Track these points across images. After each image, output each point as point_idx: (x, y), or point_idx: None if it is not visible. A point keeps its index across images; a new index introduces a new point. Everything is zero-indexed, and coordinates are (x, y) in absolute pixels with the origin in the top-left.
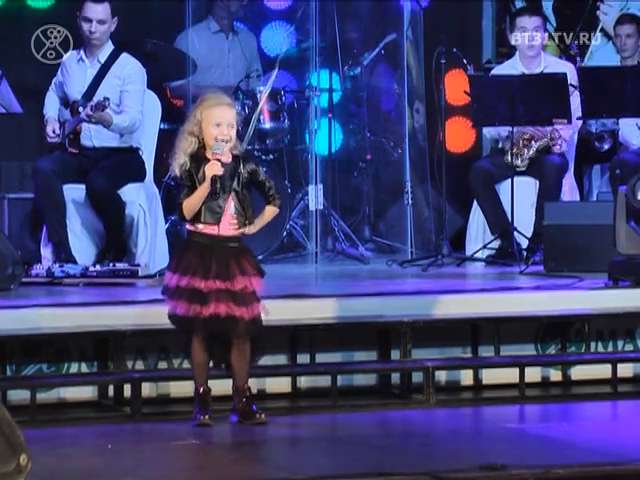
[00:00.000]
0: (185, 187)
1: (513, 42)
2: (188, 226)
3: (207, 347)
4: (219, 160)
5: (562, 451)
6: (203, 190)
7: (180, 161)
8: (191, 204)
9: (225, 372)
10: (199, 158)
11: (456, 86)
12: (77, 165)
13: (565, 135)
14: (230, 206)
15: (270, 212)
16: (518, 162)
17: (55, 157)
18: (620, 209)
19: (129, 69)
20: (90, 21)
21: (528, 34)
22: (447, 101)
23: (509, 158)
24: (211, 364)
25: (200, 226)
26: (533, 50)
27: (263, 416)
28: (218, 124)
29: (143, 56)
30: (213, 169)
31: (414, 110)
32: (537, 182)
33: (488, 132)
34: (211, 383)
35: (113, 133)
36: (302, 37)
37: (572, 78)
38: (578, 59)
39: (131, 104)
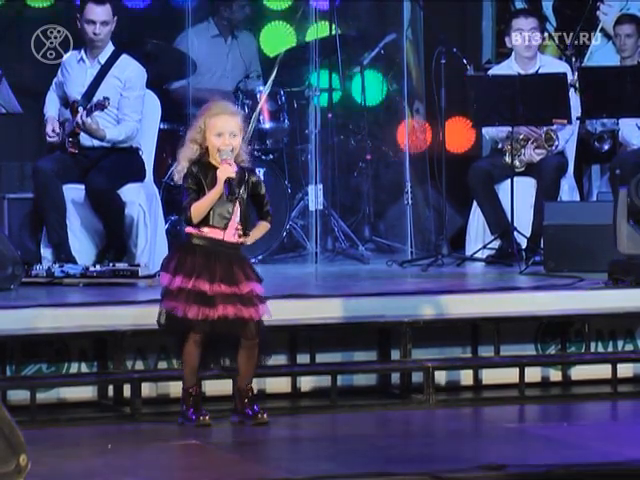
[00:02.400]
0: (191, 191)
1: (509, 44)
2: (190, 229)
3: (202, 349)
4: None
5: (562, 451)
6: (214, 193)
7: (179, 168)
8: (201, 207)
9: (219, 372)
10: (203, 165)
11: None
12: (77, 165)
13: (563, 135)
14: (237, 213)
15: (264, 227)
16: (516, 162)
17: (55, 157)
18: (622, 208)
19: (129, 72)
20: (94, 23)
21: (525, 35)
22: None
23: (507, 159)
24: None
25: (206, 230)
26: (530, 51)
27: (265, 416)
28: (220, 134)
29: (143, 56)
30: (226, 171)
31: (414, 110)
32: (536, 182)
33: (487, 133)
34: (210, 383)
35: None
36: (301, 37)
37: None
38: (574, 59)
39: (130, 112)
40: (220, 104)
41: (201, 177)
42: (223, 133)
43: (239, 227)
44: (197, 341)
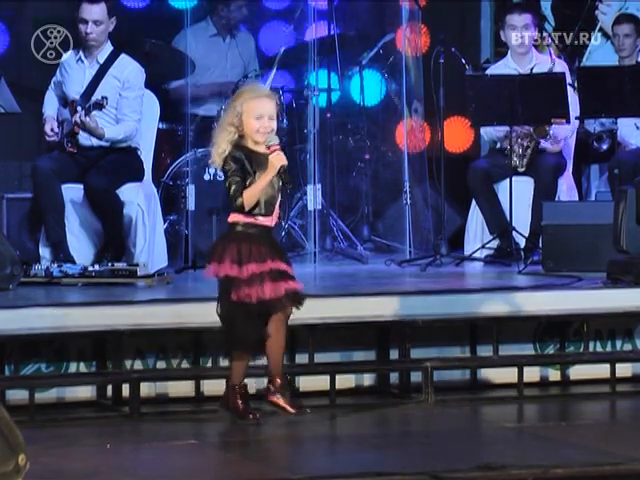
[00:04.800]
0: (236, 175)
1: (502, 38)
2: (238, 217)
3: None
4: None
5: (561, 451)
6: (266, 179)
7: (219, 150)
8: (254, 193)
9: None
10: (242, 148)
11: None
12: (76, 165)
13: (559, 133)
14: (278, 199)
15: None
16: (516, 162)
17: (54, 157)
18: (629, 208)
19: (128, 72)
20: (86, 22)
21: (518, 32)
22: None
23: (514, 159)
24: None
25: (260, 218)
26: (523, 48)
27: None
28: (259, 116)
29: (142, 56)
30: (281, 159)
31: (412, 110)
32: (534, 182)
33: (485, 133)
34: (208, 383)
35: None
36: (300, 37)
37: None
38: (562, 57)
39: (129, 112)
40: (258, 87)
41: (244, 160)
42: (263, 115)
43: (278, 212)
44: (282, 319)
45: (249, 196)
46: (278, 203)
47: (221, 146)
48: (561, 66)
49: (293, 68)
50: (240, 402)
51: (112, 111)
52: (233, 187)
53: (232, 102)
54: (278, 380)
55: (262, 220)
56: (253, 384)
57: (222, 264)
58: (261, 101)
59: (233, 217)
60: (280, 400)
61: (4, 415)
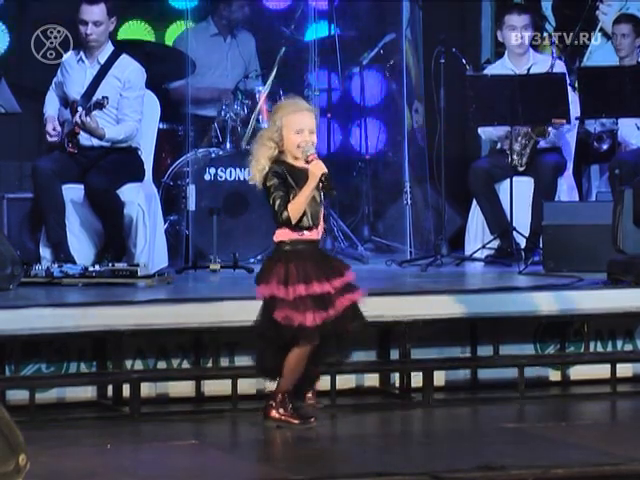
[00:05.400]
0: (279, 190)
1: (500, 38)
2: (283, 236)
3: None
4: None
5: (561, 451)
6: (309, 190)
7: (259, 167)
8: (299, 206)
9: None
10: (282, 163)
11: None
12: (76, 165)
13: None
14: (322, 210)
15: None
16: (515, 161)
17: (54, 157)
18: (626, 208)
19: (129, 72)
20: (86, 23)
21: (517, 32)
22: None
23: (514, 157)
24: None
25: (306, 233)
26: (522, 48)
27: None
28: (299, 131)
29: (142, 56)
30: (320, 167)
31: (413, 110)
32: (534, 181)
33: (483, 132)
34: (208, 383)
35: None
36: (301, 37)
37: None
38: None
39: (130, 112)
40: (296, 101)
41: (286, 175)
42: (303, 129)
43: (323, 224)
44: (309, 349)
45: (294, 209)
46: (322, 214)
47: (260, 162)
48: (560, 66)
49: (294, 68)
50: (289, 408)
51: (113, 111)
52: (278, 202)
53: (271, 116)
54: (279, 397)
55: (308, 235)
56: (253, 384)
57: (269, 284)
58: (301, 115)
59: (279, 235)
60: (283, 415)
61: (4, 415)
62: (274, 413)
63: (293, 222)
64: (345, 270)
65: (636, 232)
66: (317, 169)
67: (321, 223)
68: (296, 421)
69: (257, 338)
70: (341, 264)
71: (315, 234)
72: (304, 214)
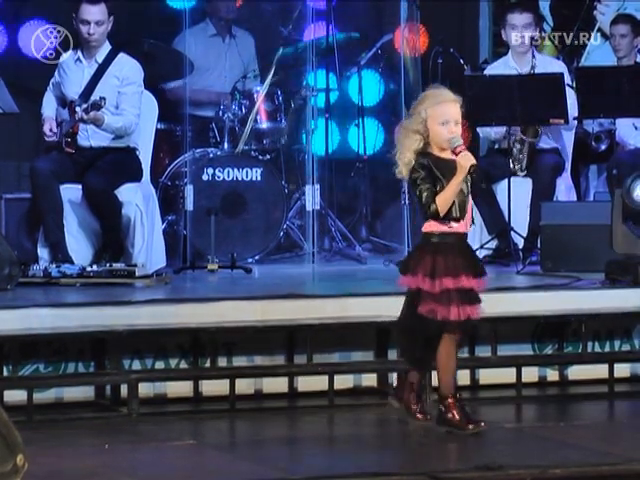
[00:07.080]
0: (426, 183)
1: (504, 37)
2: (432, 227)
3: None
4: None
5: (559, 451)
6: (457, 182)
7: (405, 160)
8: (447, 198)
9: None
10: (428, 155)
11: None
12: (74, 165)
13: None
14: (470, 202)
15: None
16: (514, 166)
17: (52, 157)
18: (617, 209)
19: (127, 69)
20: (88, 23)
21: (518, 31)
22: None
23: (513, 164)
24: None
25: (454, 225)
26: (523, 47)
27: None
28: (445, 122)
29: (140, 56)
30: (469, 159)
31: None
32: (532, 182)
33: (481, 131)
34: (206, 383)
35: (108, 133)
36: (299, 37)
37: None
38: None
39: (128, 107)
40: (441, 92)
41: (432, 167)
42: (448, 121)
43: (471, 217)
44: (456, 344)
45: (442, 201)
46: (470, 207)
47: (407, 155)
48: (560, 66)
49: (291, 68)
50: (458, 412)
51: (111, 109)
52: (425, 194)
53: (415, 107)
54: (449, 400)
55: (456, 227)
56: (251, 384)
57: (415, 277)
58: (446, 105)
59: (428, 227)
60: (454, 418)
61: (2, 415)
62: (450, 416)
63: (441, 215)
64: (483, 275)
65: (627, 232)
66: (466, 161)
67: (469, 215)
68: (470, 426)
69: (400, 332)
70: (483, 268)
71: (463, 227)
72: (452, 205)
